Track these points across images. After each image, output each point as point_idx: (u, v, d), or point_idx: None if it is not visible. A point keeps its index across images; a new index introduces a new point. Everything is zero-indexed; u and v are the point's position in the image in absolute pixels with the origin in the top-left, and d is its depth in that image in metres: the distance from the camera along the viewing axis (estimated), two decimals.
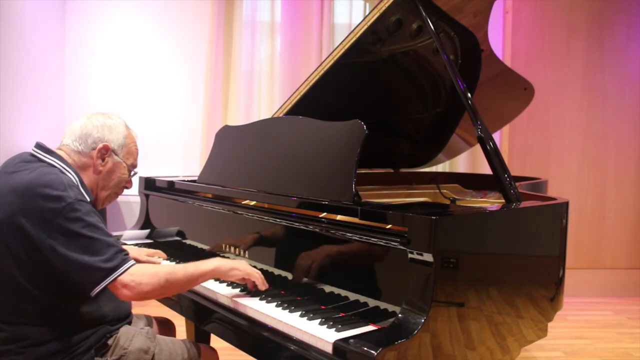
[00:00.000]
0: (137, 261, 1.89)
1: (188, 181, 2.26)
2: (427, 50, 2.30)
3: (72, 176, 1.51)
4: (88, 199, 1.49)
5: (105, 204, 1.68)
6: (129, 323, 1.72)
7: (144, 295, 1.45)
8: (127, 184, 1.71)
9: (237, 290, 1.66)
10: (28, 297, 1.43)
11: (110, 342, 1.60)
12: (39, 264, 1.41)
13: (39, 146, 1.56)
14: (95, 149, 1.59)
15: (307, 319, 1.40)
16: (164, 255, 2.01)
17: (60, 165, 1.52)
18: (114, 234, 2.35)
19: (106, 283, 1.39)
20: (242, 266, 1.60)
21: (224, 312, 1.60)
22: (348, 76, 2.21)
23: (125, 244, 2.25)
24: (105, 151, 1.61)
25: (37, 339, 1.45)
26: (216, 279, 1.75)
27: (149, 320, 1.90)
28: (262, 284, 1.61)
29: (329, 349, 1.26)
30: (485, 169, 3.95)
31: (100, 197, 1.65)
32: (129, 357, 1.58)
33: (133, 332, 1.65)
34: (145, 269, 1.46)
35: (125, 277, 1.39)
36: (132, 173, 1.71)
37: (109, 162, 1.62)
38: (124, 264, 1.41)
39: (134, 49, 4.42)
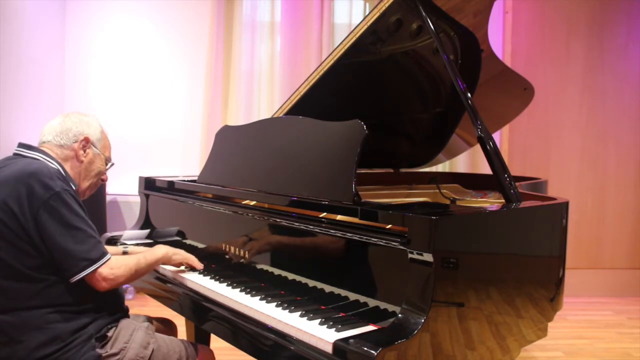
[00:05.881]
0: None
1: (188, 181, 2.26)
2: (427, 50, 2.30)
3: (57, 167, 1.63)
4: (73, 188, 1.62)
5: (87, 194, 1.80)
6: (127, 316, 1.74)
7: (116, 285, 1.59)
8: (104, 176, 1.84)
9: (237, 290, 1.66)
10: (26, 280, 1.48)
11: (110, 333, 1.62)
12: (32, 247, 1.48)
13: (22, 145, 1.68)
14: (77, 141, 1.72)
15: (307, 319, 1.40)
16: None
17: (44, 158, 1.64)
18: (114, 234, 2.36)
19: (86, 273, 1.50)
20: (181, 252, 1.87)
21: (223, 312, 1.60)
22: (348, 76, 2.21)
23: (126, 244, 2.26)
24: (86, 143, 1.74)
25: (37, 324, 1.48)
26: (211, 278, 1.79)
27: (148, 319, 1.90)
28: (198, 264, 1.88)
29: (329, 349, 1.26)
30: (485, 169, 3.95)
31: (82, 187, 1.76)
32: (129, 351, 1.60)
33: (133, 327, 1.67)
34: (120, 262, 1.61)
35: (105, 270, 1.54)
36: (109, 165, 1.84)
37: (89, 153, 1.75)
38: (104, 257, 1.54)
39: (134, 49, 4.42)
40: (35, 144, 1.72)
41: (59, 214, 1.49)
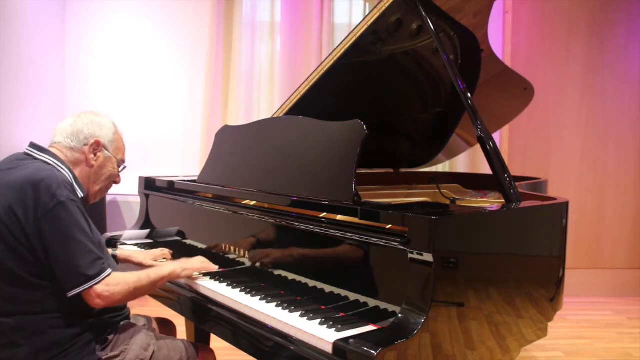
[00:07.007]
0: (142, 266, 1.91)
1: (188, 181, 2.26)
2: (427, 50, 2.30)
3: (66, 173, 1.58)
4: (81, 195, 1.58)
5: (97, 198, 1.75)
6: (128, 318, 1.74)
7: (113, 303, 1.53)
8: (117, 179, 1.78)
9: (237, 290, 1.66)
10: (27, 286, 1.46)
11: (110, 336, 1.61)
12: (32, 255, 1.45)
13: (33, 145, 1.63)
14: (87, 145, 1.66)
15: (307, 319, 1.40)
16: (168, 256, 2.05)
17: (55, 163, 1.58)
18: (114, 234, 2.36)
19: (82, 289, 1.46)
20: (190, 264, 1.78)
21: (223, 312, 1.60)
22: (348, 76, 2.21)
23: (126, 244, 2.26)
24: (97, 146, 1.68)
25: (38, 329, 1.47)
26: (211, 278, 1.79)
27: (148, 320, 1.90)
28: (213, 268, 1.82)
29: (329, 348, 1.26)
30: (485, 169, 3.95)
31: (92, 191, 1.71)
32: (130, 354, 1.60)
33: (134, 329, 1.66)
34: (118, 278, 1.53)
35: (100, 287, 1.47)
36: (122, 168, 1.79)
37: (100, 157, 1.69)
38: (102, 274, 1.48)
39: (134, 49, 4.42)
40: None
41: (61, 225, 1.45)
